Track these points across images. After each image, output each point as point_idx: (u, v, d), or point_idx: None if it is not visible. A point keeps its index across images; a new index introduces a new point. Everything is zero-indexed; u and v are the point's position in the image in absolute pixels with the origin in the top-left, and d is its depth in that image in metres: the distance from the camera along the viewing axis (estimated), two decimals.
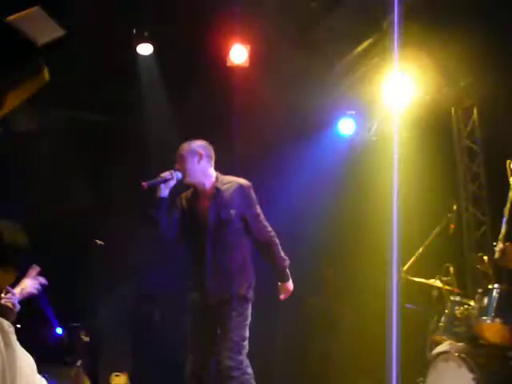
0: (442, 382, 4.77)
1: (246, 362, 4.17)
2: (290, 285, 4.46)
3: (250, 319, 4.27)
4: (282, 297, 4.47)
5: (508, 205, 4.87)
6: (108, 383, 7.19)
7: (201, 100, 7.01)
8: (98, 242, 6.18)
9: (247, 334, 4.22)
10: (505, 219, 4.80)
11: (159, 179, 4.21)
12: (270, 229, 4.39)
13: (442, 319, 5.15)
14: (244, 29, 6.74)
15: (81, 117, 7.21)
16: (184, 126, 7.13)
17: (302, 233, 7.50)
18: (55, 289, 4.05)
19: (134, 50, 6.75)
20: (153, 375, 7.15)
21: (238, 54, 6.80)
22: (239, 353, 4.12)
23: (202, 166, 4.32)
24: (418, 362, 5.13)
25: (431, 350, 5.16)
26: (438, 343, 5.14)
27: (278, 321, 7.61)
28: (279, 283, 4.44)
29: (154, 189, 4.22)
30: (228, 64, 6.84)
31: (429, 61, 6.60)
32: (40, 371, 2.97)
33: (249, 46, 6.79)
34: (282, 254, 4.42)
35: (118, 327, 7.42)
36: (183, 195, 4.47)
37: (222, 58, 6.88)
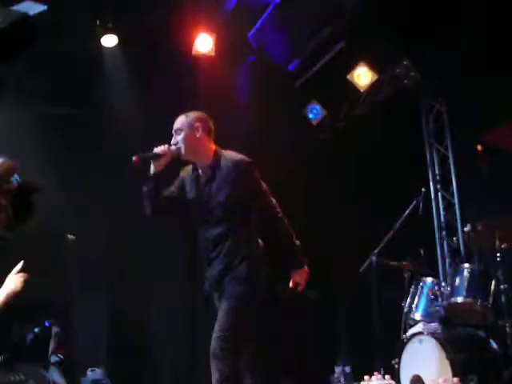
0: (416, 362, 4.82)
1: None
2: (305, 271, 4.00)
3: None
4: (292, 284, 4.03)
5: (475, 185, 4.93)
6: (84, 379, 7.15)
7: (167, 90, 6.95)
8: (70, 236, 6.10)
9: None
10: (474, 200, 4.86)
11: (151, 154, 3.87)
12: (275, 207, 3.96)
13: (415, 300, 5.21)
14: (209, 17, 6.69)
15: (44, 111, 7.08)
16: (150, 116, 7.07)
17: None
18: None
19: (98, 42, 6.65)
20: (128, 370, 7.11)
21: (204, 43, 6.76)
22: None
23: (200, 141, 3.91)
24: (393, 344, 5.18)
25: (405, 331, 5.22)
26: (411, 324, 5.20)
27: None
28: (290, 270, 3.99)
29: (147, 164, 3.90)
30: (193, 53, 6.79)
31: (393, 45, 6.64)
32: (14, 370, 2.93)
33: (214, 35, 6.74)
34: (291, 235, 3.96)
35: (93, 322, 7.35)
36: (183, 171, 4.10)
37: (187, 47, 6.83)
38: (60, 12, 5.93)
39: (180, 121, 3.97)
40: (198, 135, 3.91)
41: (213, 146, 4.00)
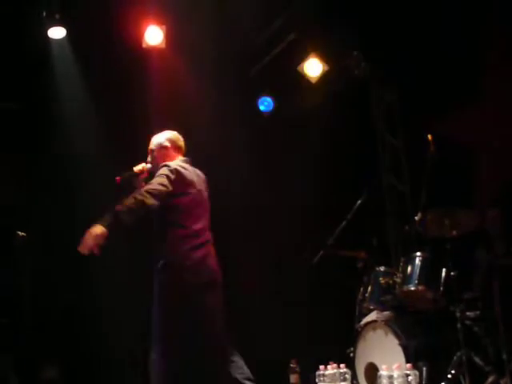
0: (371, 350, 4.88)
1: None
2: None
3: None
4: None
5: (426, 174, 5.00)
6: (38, 376, 7.04)
7: (117, 83, 6.85)
8: (20, 233, 6.00)
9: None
10: (424, 189, 4.93)
11: (131, 173, 4.33)
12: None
13: (369, 289, 5.27)
14: (159, 9, 6.61)
15: None
16: (100, 109, 6.96)
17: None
18: None
19: (45, 34, 6.50)
20: (84, 365, 7.02)
21: (154, 36, 6.67)
22: None
23: (169, 158, 4.35)
24: (348, 333, 5.24)
25: (359, 320, 5.28)
26: (365, 313, 5.26)
27: None
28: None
29: (128, 183, 4.31)
30: (144, 45, 6.70)
31: (344, 36, 6.68)
32: None
33: (164, 27, 6.66)
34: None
35: (47, 317, 7.23)
36: None
37: (137, 39, 6.73)
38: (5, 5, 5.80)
39: (152, 141, 4.48)
40: (165, 152, 4.40)
41: (180, 162, 4.37)
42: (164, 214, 4.17)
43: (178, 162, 4.34)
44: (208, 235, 4.37)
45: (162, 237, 4.17)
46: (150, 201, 3.96)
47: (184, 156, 4.51)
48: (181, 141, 4.52)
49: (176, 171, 4.19)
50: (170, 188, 4.11)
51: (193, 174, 4.40)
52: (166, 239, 4.16)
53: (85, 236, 3.81)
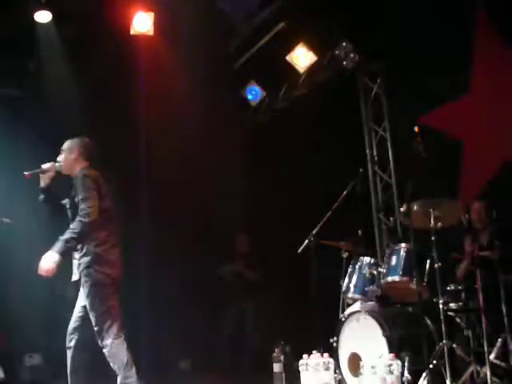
0: (354, 340, 4.90)
1: None
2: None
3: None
4: None
5: (412, 166, 5.00)
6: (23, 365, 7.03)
7: (104, 69, 6.81)
8: (5, 220, 5.94)
9: None
10: (409, 180, 4.94)
11: (39, 169, 4.61)
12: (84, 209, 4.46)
13: (353, 280, 5.29)
14: None
15: None
16: (86, 94, 6.92)
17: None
18: None
19: (31, 18, 6.44)
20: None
21: (142, 22, 6.63)
22: None
23: (75, 162, 4.67)
24: (332, 323, 5.25)
25: (344, 310, 5.30)
26: (349, 303, 5.28)
27: None
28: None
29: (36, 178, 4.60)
30: (132, 32, 6.66)
31: (333, 26, 6.68)
32: None
33: (152, 14, 6.62)
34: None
35: (30, 307, 7.21)
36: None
37: (125, 26, 6.69)
38: None
39: (65, 144, 4.75)
40: (74, 157, 4.68)
41: (82, 166, 4.69)
42: None
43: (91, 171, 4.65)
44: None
45: None
46: (93, 217, 4.38)
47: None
48: (90, 149, 4.78)
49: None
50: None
51: None
52: None
53: (41, 262, 4.26)
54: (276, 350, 5.55)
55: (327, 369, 4.46)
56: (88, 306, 4.38)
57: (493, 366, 4.37)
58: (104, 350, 4.34)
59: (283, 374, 5.44)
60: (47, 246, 4.31)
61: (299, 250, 5.54)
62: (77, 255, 4.48)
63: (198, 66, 6.98)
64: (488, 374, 4.28)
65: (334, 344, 5.03)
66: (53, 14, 6.42)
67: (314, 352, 4.63)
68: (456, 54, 6.03)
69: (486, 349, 4.34)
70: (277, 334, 6.73)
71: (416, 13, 6.15)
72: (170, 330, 7.20)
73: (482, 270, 4.55)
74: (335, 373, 4.78)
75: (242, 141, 7.48)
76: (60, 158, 4.71)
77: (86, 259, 4.42)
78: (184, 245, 7.54)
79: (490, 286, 4.54)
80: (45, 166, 4.64)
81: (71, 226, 4.37)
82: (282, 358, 5.50)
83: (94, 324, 4.34)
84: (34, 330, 7.17)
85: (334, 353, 4.92)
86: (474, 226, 5.39)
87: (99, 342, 4.33)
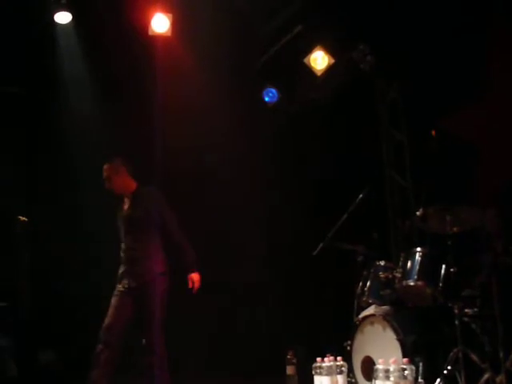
0: (368, 344, 4.90)
1: None
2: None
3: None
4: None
5: (429, 170, 4.99)
6: (37, 361, 7.06)
7: (122, 70, 6.84)
8: (22, 218, 6.00)
9: None
10: (426, 185, 4.92)
11: None
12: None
13: (368, 283, 5.27)
14: None
15: None
16: (104, 96, 6.96)
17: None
18: None
19: (51, 19, 6.49)
20: (82, 350, 7.04)
21: (160, 23, 6.65)
22: None
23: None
24: (346, 326, 5.24)
25: (358, 313, 5.28)
26: (364, 307, 5.27)
27: None
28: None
29: None
30: (150, 33, 6.68)
31: (350, 29, 6.66)
32: None
33: (171, 15, 6.65)
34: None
35: (45, 304, 7.25)
36: None
37: (143, 27, 6.72)
38: None
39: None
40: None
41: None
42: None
43: None
44: None
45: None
46: None
47: None
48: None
49: None
50: None
51: None
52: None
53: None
54: (289, 353, 5.55)
55: (341, 372, 4.44)
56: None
57: (509, 373, 4.34)
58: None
59: (296, 377, 5.44)
60: None
61: (314, 253, 5.54)
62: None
63: (215, 67, 6.99)
64: (504, 381, 4.25)
65: (348, 347, 5.02)
66: (72, 14, 6.46)
67: (327, 355, 4.62)
68: (473, 57, 6.00)
69: (501, 355, 4.31)
70: (290, 337, 6.74)
71: (433, 17, 6.13)
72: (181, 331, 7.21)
73: (498, 275, 4.52)
74: (349, 376, 4.77)
75: (259, 142, 7.48)
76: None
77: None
78: (195, 242, 7.55)
79: (506, 292, 4.51)
80: None
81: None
82: (295, 360, 5.49)
83: None
84: (50, 326, 7.22)
85: (347, 356, 4.91)
86: (489, 231, 5.35)
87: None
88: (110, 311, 4.86)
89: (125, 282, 4.87)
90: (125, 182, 4.91)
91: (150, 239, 4.84)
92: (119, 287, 4.91)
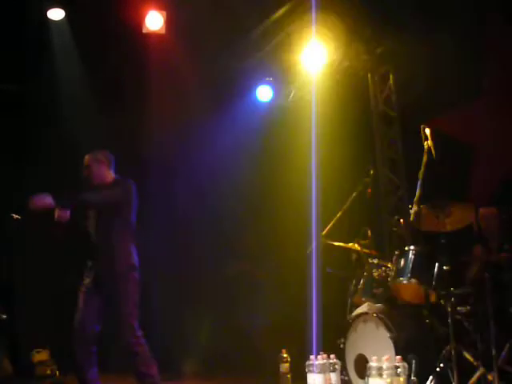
0: (361, 341, 4.90)
1: None
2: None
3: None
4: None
5: (422, 169, 4.99)
6: (29, 360, 7.04)
7: (116, 67, 6.83)
8: (15, 216, 5.97)
9: None
10: (419, 183, 4.93)
11: None
12: None
13: (361, 281, 5.28)
14: None
15: None
16: (98, 92, 6.94)
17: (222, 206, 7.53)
18: None
19: (44, 15, 6.48)
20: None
21: (154, 21, 6.64)
22: None
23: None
24: (339, 324, 5.25)
25: (351, 311, 5.29)
26: (357, 305, 5.27)
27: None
28: None
29: None
30: (144, 31, 6.67)
31: (345, 28, 6.66)
32: None
33: (165, 13, 6.64)
34: None
35: (38, 302, 7.23)
36: None
37: (137, 24, 6.71)
38: None
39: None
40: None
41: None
42: None
43: None
44: None
45: None
46: None
47: None
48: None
49: None
50: None
51: None
52: None
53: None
54: (282, 351, 5.55)
55: (334, 370, 4.44)
56: None
57: (501, 370, 4.35)
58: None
59: (289, 375, 5.44)
60: None
61: (308, 251, 5.54)
62: None
63: (209, 64, 6.99)
64: (495, 378, 4.26)
65: (341, 345, 5.02)
66: (66, 11, 6.45)
67: (320, 353, 4.62)
68: (468, 57, 6.00)
69: (493, 353, 4.32)
70: (284, 335, 6.75)
71: (427, 16, 6.13)
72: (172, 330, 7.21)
73: (491, 273, 4.53)
74: (342, 374, 4.77)
75: (252, 138, 7.47)
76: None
77: None
78: (189, 242, 7.55)
79: (498, 290, 4.52)
80: None
81: None
82: (288, 358, 5.50)
83: None
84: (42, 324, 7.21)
85: (340, 354, 4.92)
86: (483, 229, 5.36)
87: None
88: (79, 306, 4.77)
89: (91, 274, 4.75)
90: (103, 173, 4.87)
91: (115, 230, 4.73)
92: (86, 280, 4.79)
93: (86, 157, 4.93)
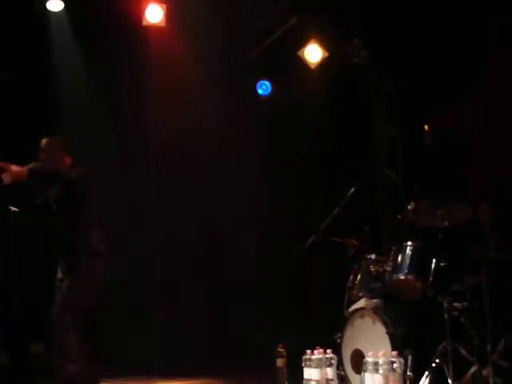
0: (358, 337, 4.91)
1: None
2: None
3: None
4: None
5: (420, 165, 5.00)
6: (27, 353, 7.04)
7: (116, 60, 6.82)
8: (13, 208, 5.97)
9: None
10: (417, 179, 4.94)
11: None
12: None
13: (358, 277, 5.29)
14: None
15: None
16: (98, 86, 6.93)
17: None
18: None
19: (43, 6, 6.46)
20: None
21: (154, 14, 6.64)
22: None
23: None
24: (336, 319, 5.26)
25: (348, 306, 5.30)
26: (354, 300, 5.28)
27: None
28: None
29: None
30: (144, 23, 6.66)
31: (345, 24, 6.66)
32: None
33: (164, 6, 6.63)
34: None
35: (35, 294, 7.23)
36: None
37: (137, 17, 6.70)
38: None
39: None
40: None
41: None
42: None
43: None
44: None
45: None
46: None
47: None
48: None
49: None
50: None
51: None
52: None
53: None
54: (279, 345, 5.55)
55: (330, 365, 4.45)
56: None
57: (495, 366, 4.37)
58: None
59: (286, 370, 5.45)
60: None
61: (306, 246, 5.55)
62: None
63: (209, 58, 6.98)
64: (490, 374, 4.28)
65: (338, 340, 5.04)
66: (65, 2, 6.43)
67: (317, 348, 4.63)
68: (469, 52, 6.00)
69: (488, 349, 4.34)
70: (280, 329, 6.76)
71: (428, 11, 6.13)
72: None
73: (488, 269, 4.54)
74: (338, 369, 4.78)
75: (251, 135, 7.47)
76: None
77: None
78: (192, 239, 7.55)
79: (495, 286, 4.53)
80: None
81: None
82: (284, 353, 5.50)
83: None
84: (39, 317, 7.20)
85: (337, 349, 4.93)
86: (481, 226, 5.37)
87: None
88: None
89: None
90: (58, 159, 4.83)
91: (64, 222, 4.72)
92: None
93: (44, 140, 4.93)
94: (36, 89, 7.06)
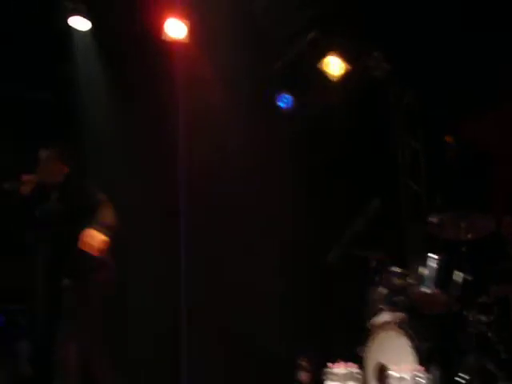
0: (381, 350, 4.87)
1: None
2: None
3: None
4: None
5: (444, 177, 4.98)
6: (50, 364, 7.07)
7: (140, 77, 6.87)
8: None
9: None
10: (441, 192, 4.92)
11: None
12: None
13: (381, 289, 5.26)
14: (183, 3, 6.64)
15: (9, 93, 6.92)
16: (121, 102, 6.98)
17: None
18: None
19: (67, 23, 6.54)
20: None
21: (176, 29, 6.69)
22: None
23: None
24: (359, 332, 5.23)
25: (371, 319, 5.27)
26: (377, 313, 5.25)
27: None
28: None
29: None
30: (164, 38, 6.72)
31: (366, 35, 6.67)
32: None
33: (188, 21, 6.69)
34: None
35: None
36: None
37: (161, 33, 6.76)
38: None
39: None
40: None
41: None
42: None
43: None
44: None
45: None
46: None
47: None
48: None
49: None
50: None
51: None
52: None
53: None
54: (301, 358, 5.53)
55: (352, 378, 4.43)
56: None
57: None
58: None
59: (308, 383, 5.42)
60: None
61: (328, 259, 5.54)
62: None
63: (230, 73, 7.01)
64: None
65: (360, 353, 5.00)
66: (91, 21, 6.51)
67: (339, 361, 4.61)
68: (494, 63, 5.97)
69: None
70: (302, 342, 6.73)
71: (450, 23, 6.11)
72: None
73: None
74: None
75: (275, 148, 7.47)
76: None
77: None
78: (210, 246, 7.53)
79: None
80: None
81: None
82: (307, 366, 5.48)
83: None
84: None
85: (360, 362, 4.90)
86: (504, 239, 5.32)
87: None
88: None
89: None
90: (57, 171, 4.99)
91: None
92: None
93: (41, 153, 5.03)
94: (62, 107, 7.13)
